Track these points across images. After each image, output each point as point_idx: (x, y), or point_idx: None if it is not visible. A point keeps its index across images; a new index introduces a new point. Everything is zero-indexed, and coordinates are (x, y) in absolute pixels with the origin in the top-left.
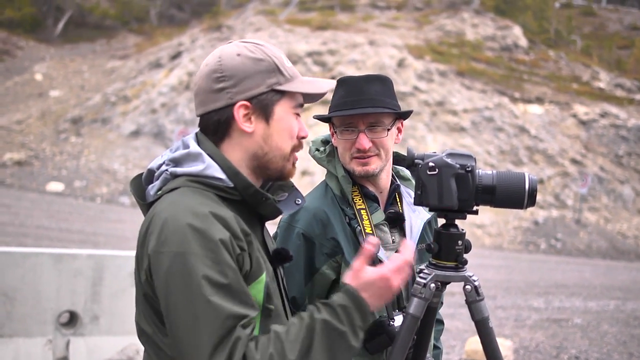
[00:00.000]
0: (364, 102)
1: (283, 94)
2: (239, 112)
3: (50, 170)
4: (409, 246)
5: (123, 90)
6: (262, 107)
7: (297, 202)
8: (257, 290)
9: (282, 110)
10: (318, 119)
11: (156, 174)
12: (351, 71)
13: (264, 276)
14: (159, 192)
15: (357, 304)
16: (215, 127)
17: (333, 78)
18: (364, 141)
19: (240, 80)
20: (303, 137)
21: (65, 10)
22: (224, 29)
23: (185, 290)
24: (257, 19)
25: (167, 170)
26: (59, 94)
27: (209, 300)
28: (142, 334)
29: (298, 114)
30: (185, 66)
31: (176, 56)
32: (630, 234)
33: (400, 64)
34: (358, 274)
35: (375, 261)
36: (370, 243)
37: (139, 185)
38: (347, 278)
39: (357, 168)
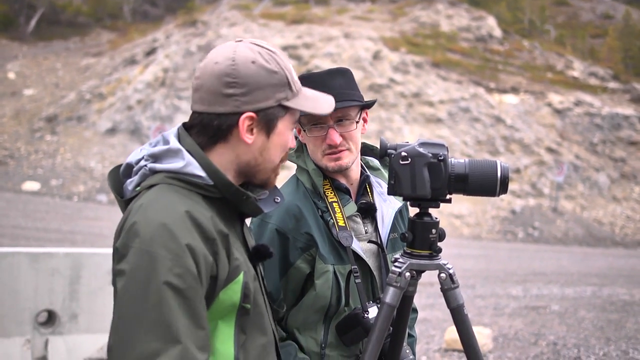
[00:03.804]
0: None
1: (288, 109)
2: (244, 123)
3: (25, 170)
4: None
5: (98, 88)
6: (267, 121)
7: (276, 200)
8: (234, 290)
9: (283, 125)
10: None
11: (135, 168)
12: (327, 64)
13: (241, 276)
14: (137, 188)
15: None
16: (214, 130)
17: (308, 71)
18: (335, 136)
19: (251, 90)
20: (290, 148)
21: (37, 7)
22: (198, 24)
23: (142, 287)
24: (232, 13)
25: (145, 165)
26: (33, 93)
27: (161, 304)
28: None
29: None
30: (161, 62)
31: (151, 52)
32: (606, 221)
33: (376, 56)
34: None
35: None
36: None
37: (117, 178)
38: None
39: (330, 164)
